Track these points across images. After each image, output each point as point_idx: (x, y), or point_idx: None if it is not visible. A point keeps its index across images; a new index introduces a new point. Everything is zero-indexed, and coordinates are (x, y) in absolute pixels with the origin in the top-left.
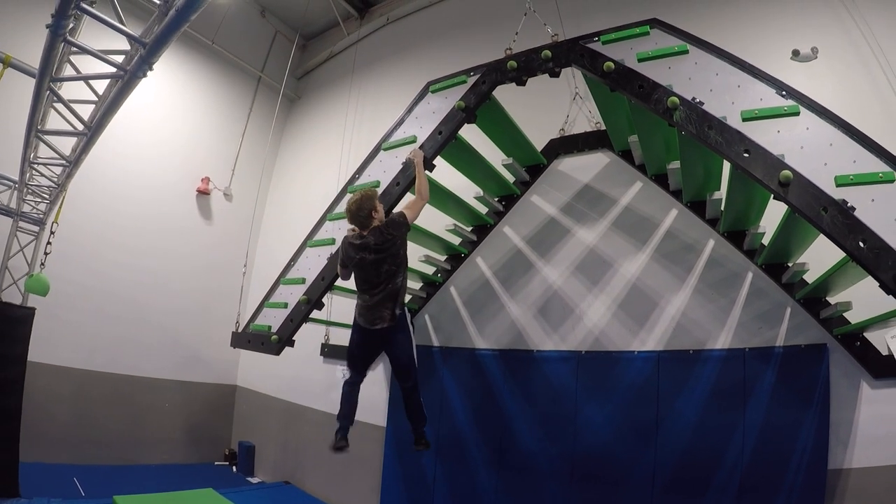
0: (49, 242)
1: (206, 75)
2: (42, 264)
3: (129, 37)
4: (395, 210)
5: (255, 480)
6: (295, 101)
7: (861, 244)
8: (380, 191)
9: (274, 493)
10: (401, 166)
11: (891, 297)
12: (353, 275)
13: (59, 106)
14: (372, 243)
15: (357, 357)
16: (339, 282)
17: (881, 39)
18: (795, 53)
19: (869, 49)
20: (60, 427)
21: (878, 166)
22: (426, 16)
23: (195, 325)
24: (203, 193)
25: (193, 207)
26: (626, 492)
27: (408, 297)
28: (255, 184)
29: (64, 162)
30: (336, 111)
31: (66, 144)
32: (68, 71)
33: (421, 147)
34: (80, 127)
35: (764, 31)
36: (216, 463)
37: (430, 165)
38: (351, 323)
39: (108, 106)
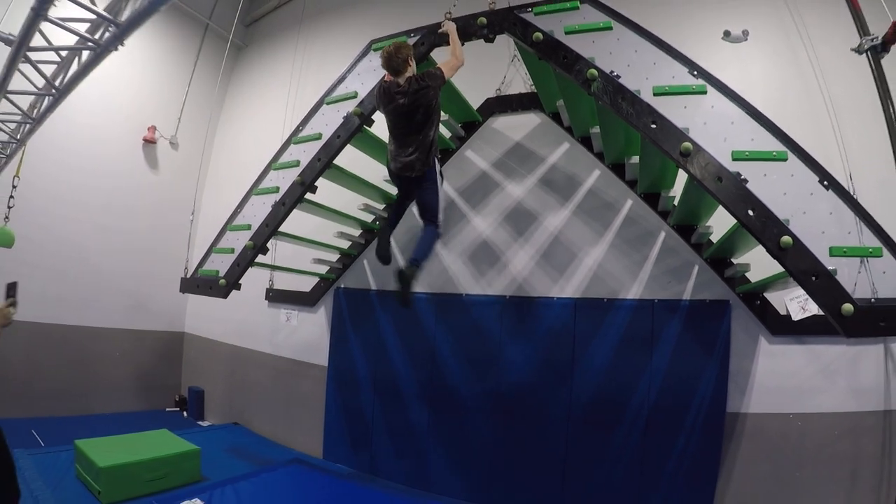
0: (12, 196)
1: (152, 21)
2: (6, 217)
3: (105, 18)
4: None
5: (205, 424)
6: (242, 49)
7: (750, 213)
8: (321, 143)
9: (223, 433)
10: (342, 120)
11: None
12: (387, 120)
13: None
14: (408, 90)
15: (391, 208)
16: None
17: (811, 28)
18: (727, 34)
19: (798, 37)
20: (13, 382)
21: (774, 145)
22: None
23: (143, 274)
24: (149, 142)
25: (140, 157)
26: (543, 426)
27: (347, 244)
28: (201, 132)
29: (21, 119)
30: (283, 61)
31: (23, 102)
32: (38, 39)
33: (361, 103)
34: (43, 87)
35: (698, 10)
36: (167, 409)
37: (369, 121)
38: (293, 267)
39: (79, 72)
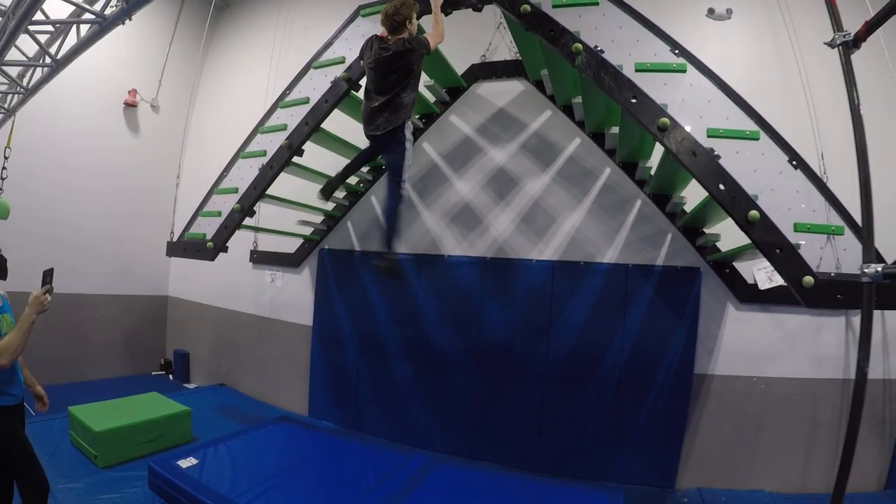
0: (4, 167)
1: None
2: (0, 189)
3: None
4: None
5: (191, 386)
6: (224, 9)
7: (721, 187)
8: (308, 107)
9: (210, 394)
10: (329, 84)
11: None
12: (367, 74)
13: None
14: (393, 47)
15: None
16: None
17: (793, 9)
18: (711, 12)
19: (780, 17)
20: None
21: (748, 125)
22: None
23: (126, 239)
24: (130, 106)
25: (121, 121)
26: (521, 383)
27: (331, 205)
28: (183, 95)
29: (7, 89)
30: (266, 22)
31: (12, 70)
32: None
33: (349, 68)
34: (35, 56)
35: None
36: (153, 373)
37: (357, 86)
38: (278, 229)
39: (80, 44)
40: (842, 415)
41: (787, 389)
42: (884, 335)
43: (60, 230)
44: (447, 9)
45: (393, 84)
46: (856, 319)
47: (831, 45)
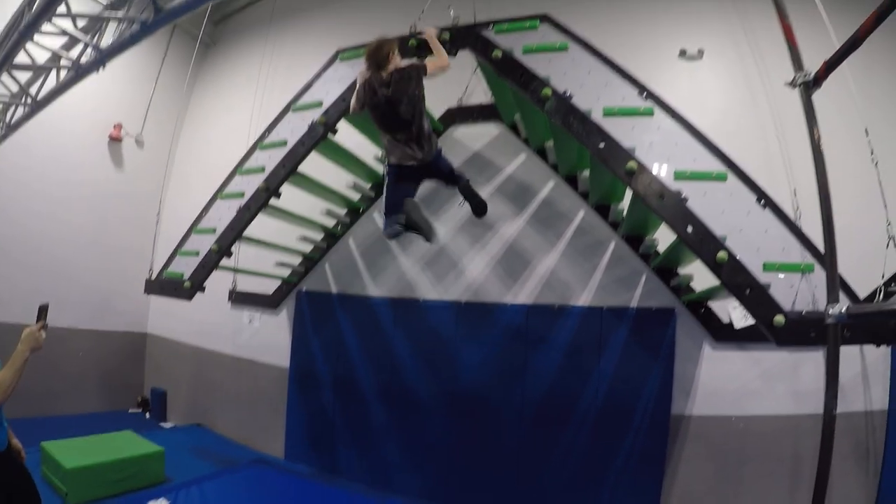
0: None
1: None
2: None
3: (91, 46)
4: None
5: (168, 425)
6: (210, 46)
7: (689, 229)
8: (286, 150)
9: (186, 434)
10: (307, 128)
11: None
12: (372, 116)
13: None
14: (390, 80)
15: (399, 192)
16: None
17: (763, 48)
18: (683, 53)
19: (751, 56)
20: None
21: (714, 166)
22: None
23: (106, 274)
24: (115, 140)
25: (105, 154)
26: (498, 426)
27: (310, 247)
28: (168, 131)
29: None
30: (251, 61)
31: None
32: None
33: (326, 112)
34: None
35: (658, 31)
36: (130, 410)
37: (333, 130)
38: (256, 270)
39: (58, 88)
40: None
41: (767, 427)
42: (863, 367)
43: (45, 260)
44: (422, 54)
45: (407, 116)
46: None
47: (792, 84)
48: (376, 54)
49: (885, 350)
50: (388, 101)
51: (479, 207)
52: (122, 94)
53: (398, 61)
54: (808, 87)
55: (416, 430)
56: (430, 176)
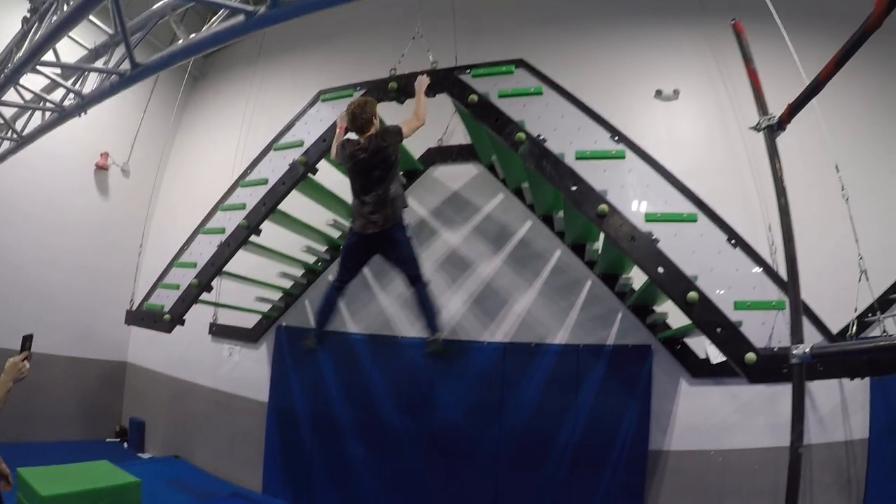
0: None
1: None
2: None
3: (73, 92)
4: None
5: (145, 456)
6: (199, 79)
7: (660, 270)
8: (266, 188)
9: (163, 465)
10: (288, 167)
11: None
12: (347, 168)
13: None
14: (367, 146)
15: (350, 258)
16: (229, 266)
17: (738, 88)
18: (658, 93)
19: (726, 95)
20: None
21: (685, 207)
22: (334, 11)
23: (88, 302)
24: (101, 169)
25: (91, 182)
26: (475, 464)
27: (290, 283)
28: (154, 161)
29: None
30: (238, 94)
31: None
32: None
33: (307, 152)
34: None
35: (634, 73)
36: (108, 440)
37: (314, 169)
38: (236, 305)
39: (42, 127)
40: (806, 481)
41: (745, 460)
42: (843, 397)
43: (28, 284)
44: (401, 97)
45: (378, 180)
46: (811, 385)
47: (756, 128)
48: (359, 117)
49: (864, 380)
50: (365, 164)
51: (432, 327)
52: (110, 122)
53: (377, 123)
54: (773, 130)
55: (393, 468)
56: (387, 257)
